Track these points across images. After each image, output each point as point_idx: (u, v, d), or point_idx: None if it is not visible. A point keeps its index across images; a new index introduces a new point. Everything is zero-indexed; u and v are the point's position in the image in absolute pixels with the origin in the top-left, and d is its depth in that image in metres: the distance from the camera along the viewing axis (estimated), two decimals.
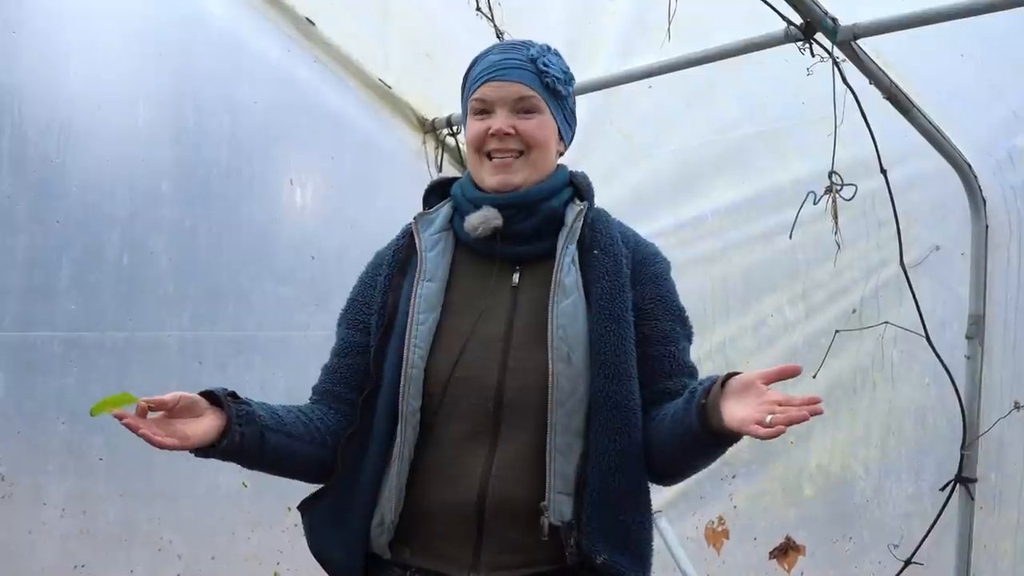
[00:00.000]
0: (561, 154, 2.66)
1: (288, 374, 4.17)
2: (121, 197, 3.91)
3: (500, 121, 2.53)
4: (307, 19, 4.42)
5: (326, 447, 2.51)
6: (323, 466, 2.52)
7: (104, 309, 3.84)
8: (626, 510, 2.43)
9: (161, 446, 2.21)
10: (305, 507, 2.58)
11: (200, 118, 4.15)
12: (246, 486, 4.06)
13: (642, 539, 2.47)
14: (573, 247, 2.52)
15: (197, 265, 4.07)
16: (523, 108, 2.54)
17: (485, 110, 2.56)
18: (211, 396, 2.34)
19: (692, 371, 2.54)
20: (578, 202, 2.59)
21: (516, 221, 2.53)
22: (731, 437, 2.26)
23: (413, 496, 2.44)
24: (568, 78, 2.63)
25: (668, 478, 2.57)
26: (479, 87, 2.56)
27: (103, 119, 3.89)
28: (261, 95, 4.32)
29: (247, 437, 2.36)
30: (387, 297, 2.56)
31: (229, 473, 3.97)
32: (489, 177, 2.55)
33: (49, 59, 3.79)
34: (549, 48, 2.62)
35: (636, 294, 2.52)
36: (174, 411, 2.26)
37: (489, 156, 2.54)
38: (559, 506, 2.38)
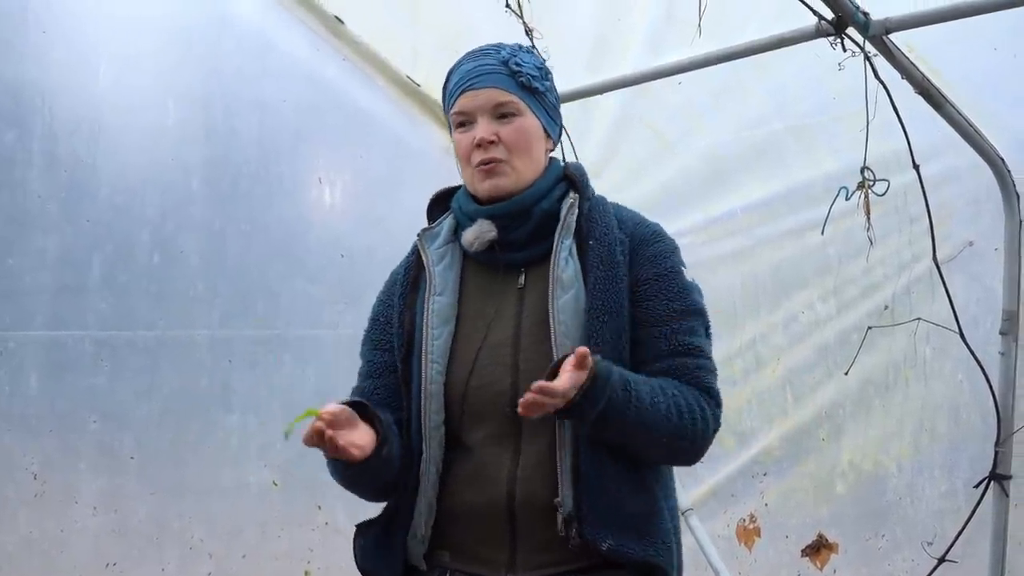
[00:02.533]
0: (550, 151, 2.65)
1: (318, 373, 4.18)
2: (151, 197, 3.92)
3: (481, 129, 2.52)
4: (336, 17, 4.41)
5: (403, 461, 2.51)
6: (396, 483, 2.53)
7: (135, 308, 3.85)
8: (625, 496, 2.41)
9: (353, 459, 2.28)
10: (362, 529, 2.60)
11: (229, 118, 4.15)
12: (276, 484, 4.07)
13: (652, 524, 2.44)
14: (569, 241, 2.51)
15: (227, 264, 4.07)
16: (502, 113, 2.53)
17: (466, 121, 2.55)
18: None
19: (691, 349, 2.48)
20: (571, 195, 2.58)
21: (512, 230, 2.53)
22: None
23: (447, 503, 2.47)
24: (544, 73, 2.61)
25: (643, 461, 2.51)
26: (457, 99, 2.56)
27: (133, 119, 3.90)
28: (290, 94, 4.32)
29: (394, 451, 2.42)
30: (403, 316, 2.58)
31: (259, 471, 4.02)
32: (479, 184, 2.54)
33: (79, 59, 3.80)
34: (520, 47, 2.62)
35: (632, 277, 2.50)
36: (338, 424, 2.28)
37: (478, 166, 2.53)
38: (568, 500, 2.39)
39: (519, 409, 2.22)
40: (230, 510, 4.02)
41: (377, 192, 4.58)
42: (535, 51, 2.66)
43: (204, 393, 4.00)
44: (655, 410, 2.36)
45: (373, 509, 2.60)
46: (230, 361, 4.05)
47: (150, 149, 3.93)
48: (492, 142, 2.51)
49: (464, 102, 2.54)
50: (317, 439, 2.23)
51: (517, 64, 2.55)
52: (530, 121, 2.56)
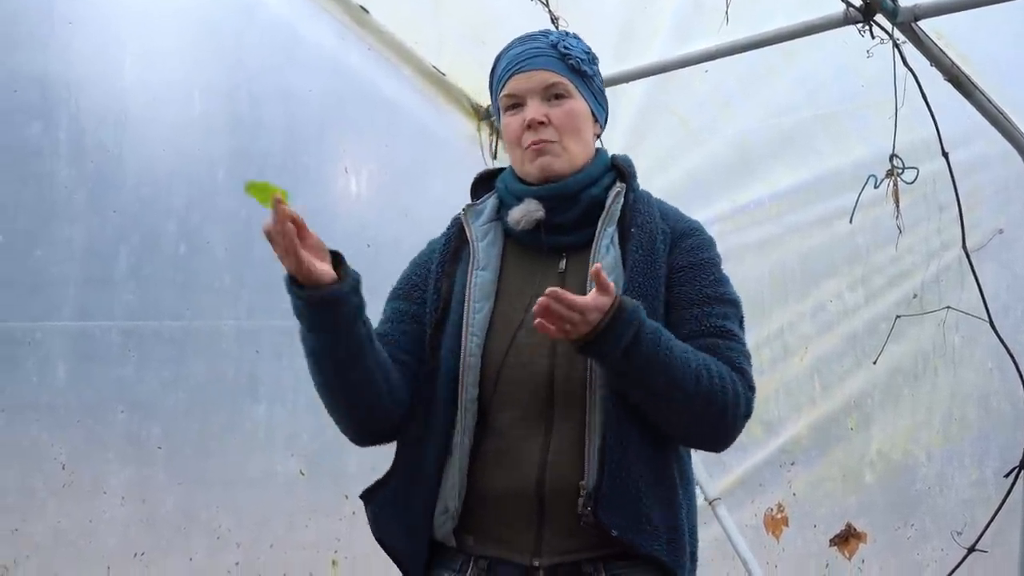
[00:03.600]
0: (598, 136, 2.66)
1: None
2: (177, 187, 3.93)
3: (532, 110, 2.53)
4: (360, 6, 4.41)
5: (391, 396, 2.48)
6: (384, 414, 2.50)
7: (161, 299, 3.85)
8: (644, 486, 2.40)
9: (307, 274, 2.27)
10: (368, 496, 2.58)
11: (255, 108, 4.15)
12: (303, 474, 4.08)
13: (665, 518, 2.42)
14: (612, 229, 2.52)
15: (253, 255, 4.05)
16: (553, 95, 2.54)
17: (517, 103, 2.57)
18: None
19: (724, 332, 2.47)
20: (618, 184, 2.58)
21: (559, 212, 2.53)
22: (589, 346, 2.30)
23: (474, 483, 2.46)
24: (591, 58, 2.62)
25: (672, 438, 2.49)
26: (507, 82, 2.57)
27: (159, 110, 3.90)
28: (315, 84, 4.32)
29: (349, 306, 2.35)
30: (440, 284, 2.58)
31: (286, 461, 4.03)
32: (530, 164, 2.54)
33: (105, 51, 3.80)
34: (568, 33, 2.64)
35: (670, 265, 2.50)
36: (305, 239, 2.27)
37: (529, 148, 2.54)
38: (592, 481, 2.38)
39: (533, 312, 2.23)
40: (257, 500, 4.03)
41: (403, 182, 4.57)
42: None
43: (231, 383, 4.00)
44: (685, 366, 2.34)
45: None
46: (257, 351, 4.05)
47: (176, 140, 3.93)
48: (543, 123, 2.52)
49: (514, 84, 2.55)
50: (280, 228, 2.22)
51: (566, 47, 2.56)
52: (580, 104, 2.57)
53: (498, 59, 2.63)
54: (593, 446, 2.39)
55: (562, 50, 2.55)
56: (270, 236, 2.25)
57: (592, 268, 2.27)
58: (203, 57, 4.04)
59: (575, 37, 2.63)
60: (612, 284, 2.27)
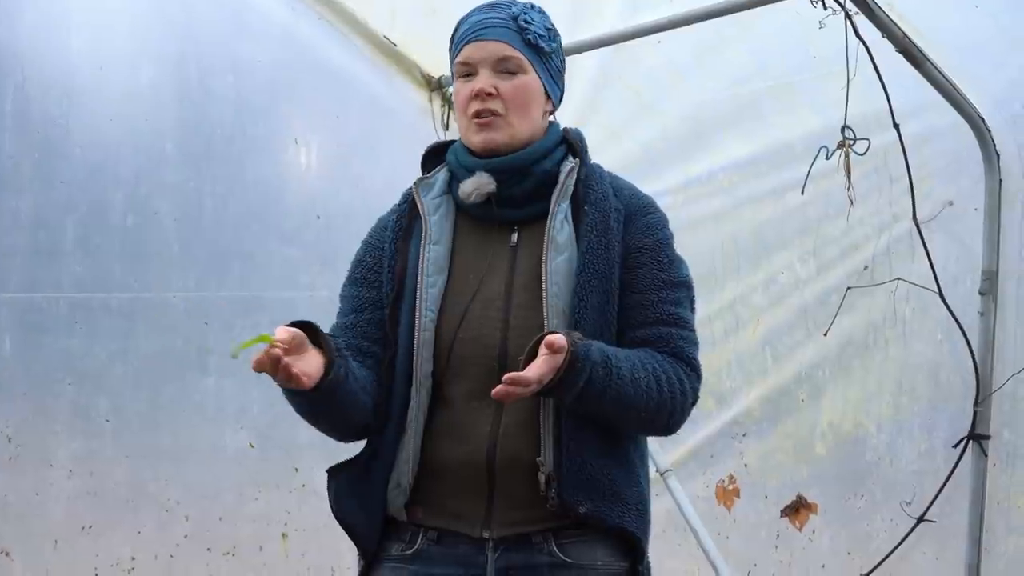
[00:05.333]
0: (550, 113, 2.64)
1: None
2: (125, 158, 3.89)
3: (481, 81, 2.51)
4: None
5: (371, 402, 2.49)
6: (367, 419, 2.50)
7: (109, 270, 3.83)
8: (603, 461, 2.43)
9: (302, 386, 2.23)
10: (334, 472, 2.57)
11: (204, 77, 4.11)
12: (253, 447, 4.07)
13: (630, 492, 2.46)
14: (566, 204, 2.52)
15: (202, 226, 4.04)
16: (505, 69, 2.53)
17: (469, 72, 2.55)
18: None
19: (675, 319, 2.50)
20: (571, 159, 2.58)
21: (510, 185, 2.53)
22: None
23: (425, 456, 2.46)
24: (552, 35, 2.61)
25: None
26: (462, 48, 2.55)
27: (106, 79, 3.87)
28: (265, 54, 4.28)
29: (340, 373, 2.35)
30: (395, 262, 2.56)
31: (235, 434, 4.02)
32: (474, 136, 2.54)
33: (51, 19, 3.77)
34: (532, 6, 2.61)
35: (624, 245, 2.51)
36: (291, 350, 2.23)
37: (474, 117, 2.53)
38: (550, 459, 2.40)
39: (493, 394, 2.22)
40: (206, 472, 4.01)
41: (354, 153, 4.55)
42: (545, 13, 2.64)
43: (180, 355, 3.98)
44: (635, 385, 2.37)
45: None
46: (206, 323, 4.03)
47: (124, 109, 3.90)
48: (490, 94, 2.51)
49: (468, 52, 2.54)
50: (271, 367, 2.18)
51: (526, 21, 2.54)
52: (532, 80, 2.55)
53: (458, 24, 2.61)
54: (547, 423, 2.41)
55: (522, 24, 2.53)
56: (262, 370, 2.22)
57: (548, 339, 2.24)
58: (151, 27, 4.01)
59: (539, 12, 2.60)
60: (563, 341, 2.25)
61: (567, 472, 2.38)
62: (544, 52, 2.57)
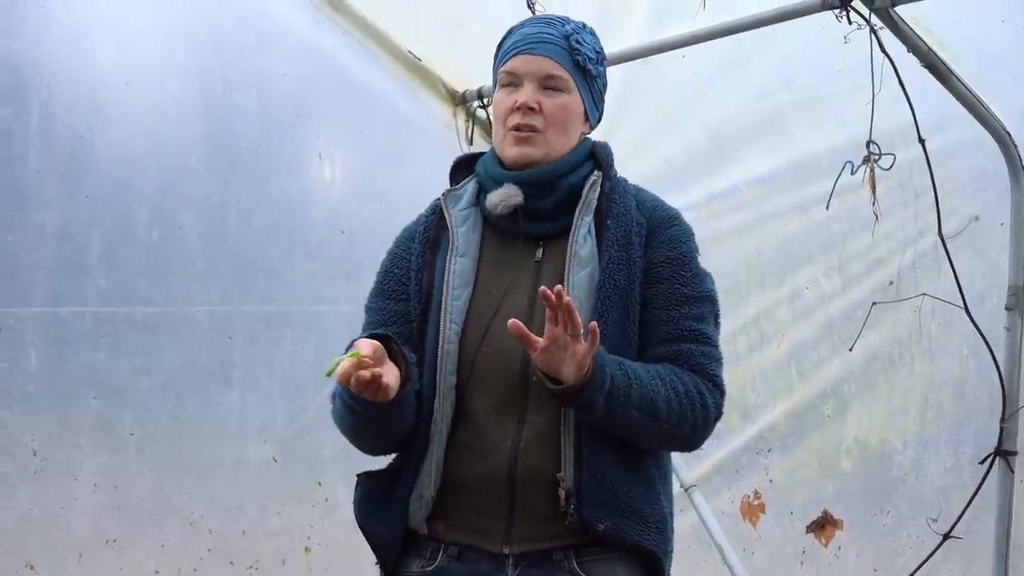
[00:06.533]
0: (585, 134, 2.63)
1: (318, 349, 4.15)
2: (150, 172, 3.90)
3: (526, 95, 2.51)
4: None
5: (413, 413, 2.49)
6: (408, 432, 2.50)
7: (134, 284, 3.84)
8: (624, 478, 2.42)
9: (387, 398, 2.25)
10: (362, 479, 2.57)
11: (229, 92, 4.12)
12: (276, 461, 4.06)
13: (649, 510, 2.45)
14: (589, 218, 2.51)
15: (227, 240, 4.05)
16: (551, 86, 2.52)
17: (513, 83, 2.55)
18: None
19: (697, 336, 2.49)
20: (595, 173, 2.57)
21: (537, 199, 2.52)
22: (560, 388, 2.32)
23: (448, 470, 2.46)
24: (600, 58, 2.61)
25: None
26: (510, 59, 2.55)
27: (132, 94, 3.88)
28: (290, 68, 4.29)
29: (416, 386, 2.41)
30: (422, 274, 2.56)
31: (259, 448, 4.02)
32: (509, 149, 2.53)
33: (77, 34, 3.78)
34: (584, 26, 2.61)
35: (647, 259, 2.51)
36: (375, 364, 2.25)
37: (513, 129, 2.52)
38: (570, 475, 2.39)
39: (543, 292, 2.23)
40: (230, 486, 4.01)
41: (377, 167, 4.55)
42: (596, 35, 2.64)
43: (204, 369, 3.98)
44: (655, 395, 2.38)
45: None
46: (230, 337, 4.03)
47: (149, 124, 3.91)
48: (532, 109, 2.50)
49: (516, 63, 2.54)
50: (364, 383, 2.20)
51: (578, 42, 2.54)
52: (575, 100, 2.55)
53: (508, 33, 2.61)
54: (568, 438, 2.40)
55: (573, 44, 2.53)
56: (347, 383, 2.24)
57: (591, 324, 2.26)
58: (176, 41, 4.02)
59: (591, 33, 2.61)
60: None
61: (587, 488, 2.38)
62: (591, 75, 2.57)
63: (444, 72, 4.72)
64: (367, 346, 2.23)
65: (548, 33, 2.54)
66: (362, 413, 2.38)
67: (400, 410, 2.38)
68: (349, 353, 2.22)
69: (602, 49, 2.62)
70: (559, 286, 2.25)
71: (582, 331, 2.26)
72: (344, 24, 4.44)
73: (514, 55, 2.54)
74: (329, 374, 2.23)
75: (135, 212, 3.85)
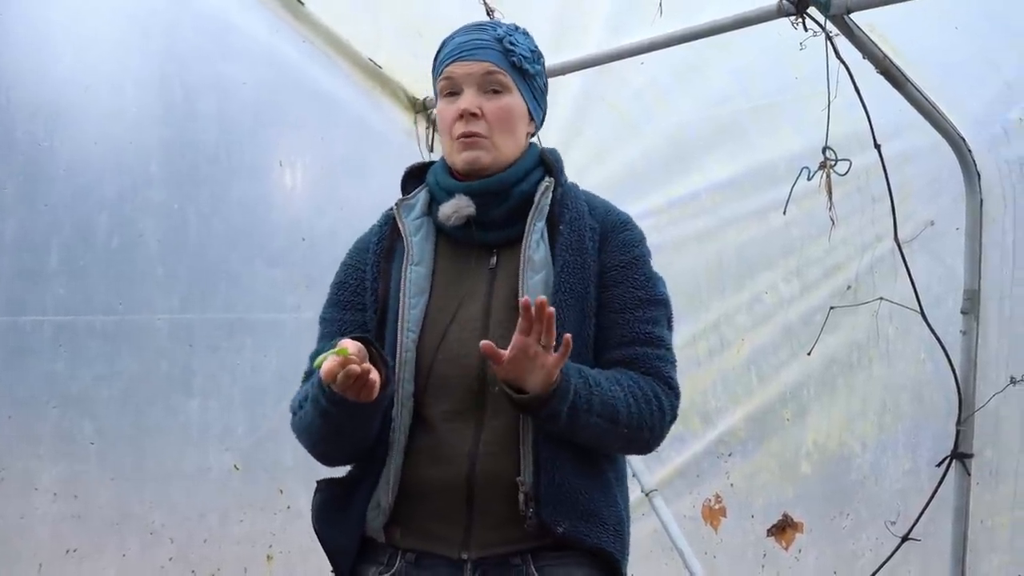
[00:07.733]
0: (532, 134, 2.65)
1: (279, 356, 4.16)
2: (110, 179, 3.90)
3: (467, 101, 2.52)
4: None
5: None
6: (362, 447, 2.51)
7: (94, 292, 3.83)
8: (582, 481, 2.44)
9: (370, 399, 2.28)
10: (322, 487, 2.57)
11: (188, 99, 4.12)
12: (237, 469, 4.06)
13: (607, 512, 2.47)
14: (541, 224, 2.53)
15: (187, 247, 4.05)
16: (491, 85, 2.53)
17: (453, 91, 2.56)
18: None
19: (652, 339, 2.51)
20: (547, 179, 2.59)
21: (489, 208, 2.54)
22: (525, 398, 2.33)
23: (405, 477, 2.46)
24: (536, 56, 2.62)
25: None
26: (446, 67, 2.56)
27: (91, 101, 3.88)
28: (250, 76, 4.29)
29: (394, 388, 2.43)
30: (377, 284, 2.57)
31: (220, 456, 4.01)
32: (457, 155, 2.54)
33: (36, 42, 3.77)
34: (516, 27, 2.63)
35: (601, 263, 2.53)
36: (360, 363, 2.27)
37: (459, 138, 2.53)
38: (529, 478, 2.40)
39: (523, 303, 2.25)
40: (191, 495, 4.01)
41: (339, 175, 4.56)
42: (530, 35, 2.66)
43: (164, 378, 3.98)
44: (615, 400, 2.40)
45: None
46: (191, 345, 4.03)
47: (108, 131, 3.91)
48: (475, 115, 2.51)
49: (453, 69, 2.54)
50: (350, 381, 2.23)
51: (511, 43, 2.55)
52: (516, 101, 2.56)
53: (443, 44, 2.61)
54: (527, 442, 2.41)
55: (507, 45, 2.55)
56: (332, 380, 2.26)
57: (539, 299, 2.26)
58: (135, 48, 4.02)
59: (524, 34, 2.62)
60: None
61: (546, 491, 2.39)
62: (529, 74, 2.58)
63: (405, 79, 4.73)
64: (352, 345, 2.25)
65: (481, 38, 2.56)
66: (337, 417, 2.38)
67: (377, 413, 2.39)
68: (335, 351, 2.23)
69: (537, 48, 2.63)
70: (541, 297, 2.25)
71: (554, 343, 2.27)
72: (304, 31, 4.45)
73: (451, 63, 2.55)
74: (317, 367, 2.26)
75: (94, 219, 3.85)
